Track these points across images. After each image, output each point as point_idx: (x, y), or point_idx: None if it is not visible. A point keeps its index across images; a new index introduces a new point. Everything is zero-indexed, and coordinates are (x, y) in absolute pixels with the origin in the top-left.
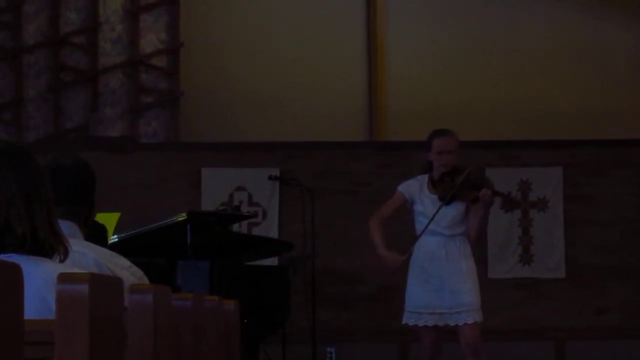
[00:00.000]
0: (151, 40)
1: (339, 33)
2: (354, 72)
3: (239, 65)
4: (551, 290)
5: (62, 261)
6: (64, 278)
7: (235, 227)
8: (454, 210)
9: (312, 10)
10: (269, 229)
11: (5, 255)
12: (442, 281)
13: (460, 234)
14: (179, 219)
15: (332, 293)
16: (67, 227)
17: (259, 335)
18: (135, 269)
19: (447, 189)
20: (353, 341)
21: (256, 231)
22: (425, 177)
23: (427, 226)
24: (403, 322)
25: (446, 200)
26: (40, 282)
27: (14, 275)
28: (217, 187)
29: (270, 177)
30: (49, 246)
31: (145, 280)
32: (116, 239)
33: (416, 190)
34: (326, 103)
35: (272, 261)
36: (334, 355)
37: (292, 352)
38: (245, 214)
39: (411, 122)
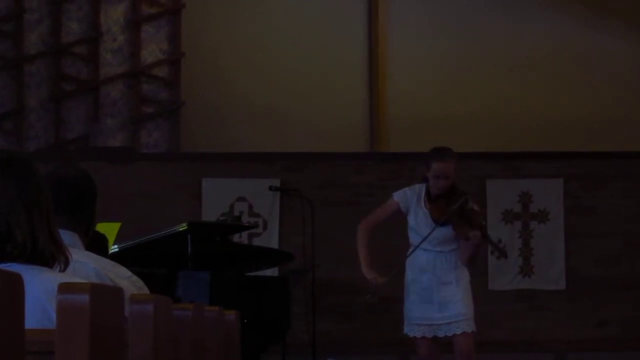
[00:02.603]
0: (152, 50)
1: (340, 44)
2: (355, 83)
3: (240, 75)
4: (551, 302)
5: (62, 271)
6: (64, 288)
7: (236, 238)
8: (446, 231)
9: (313, 21)
10: (270, 239)
11: (5, 264)
12: (432, 293)
13: (450, 251)
14: (180, 229)
15: (332, 304)
16: (68, 237)
17: (259, 346)
18: (135, 278)
19: (441, 213)
20: (353, 352)
21: (256, 242)
22: (423, 189)
23: (416, 247)
24: (404, 333)
25: (439, 224)
26: (40, 291)
27: (16, 285)
28: (217, 198)
29: (270, 188)
30: (50, 255)
31: (146, 290)
32: (117, 249)
33: (412, 201)
34: (327, 114)
35: (272, 272)
36: None
37: None
38: (246, 224)
39: (413, 134)
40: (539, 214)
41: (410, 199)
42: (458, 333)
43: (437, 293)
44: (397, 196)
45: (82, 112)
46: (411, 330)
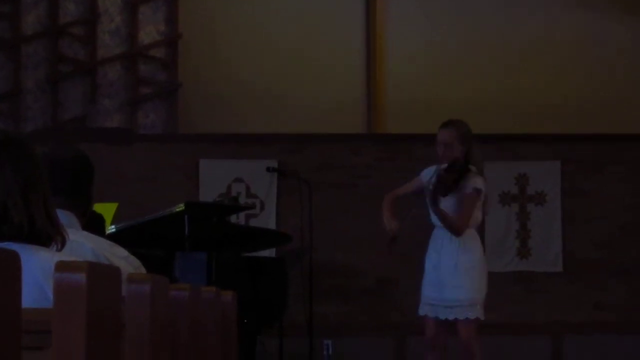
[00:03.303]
0: (150, 31)
1: (338, 25)
2: (353, 64)
3: (237, 57)
4: (548, 284)
5: (59, 250)
6: (61, 267)
7: (233, 219)
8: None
9: (311, 3)
10: (267, 220)
11: (3, 243)
12: (437, 273)
13: None
14: (177, 210)
15: (329, 286)
16: (65, 217)
17: (256, 327)
18: (132, 258)
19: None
20: (350, 334)
21: (254, 223)
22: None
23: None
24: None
25: (428, 189)
26: (37, 270)
27: (12, 263)
28: (215, 179)
29: (268, 169)
30: (46, 235)
31: (143, 270)
32: (114, 230)
33: (429, 176)
34: (325, 95)
35: (269, 253)
36: (330, 348)
37: (289, 345)
38: (243, 205)
39: (410, 115)
40: (536, 196)
41: (429, 173)
42: (460, 319)
43: (442, 274)
44: (423, 171)
45: (79, 93)
46: (420, 308)
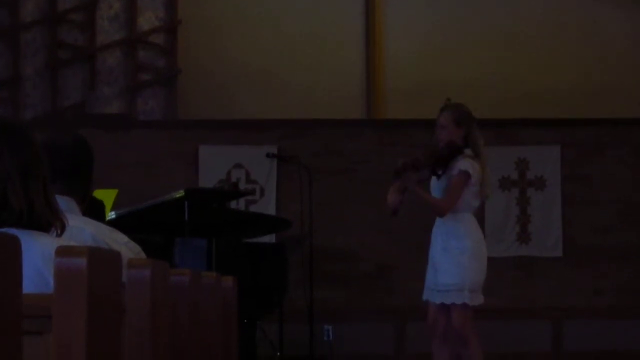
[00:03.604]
0: (149, 17)
1: (337, 10)
2: (352, 49)
3: (237, 42)
4: (548, 269)
5: (59, 236)
6: (62, 252)
7: (233, 204)
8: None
9: None
10: (267, 206)
11: (3, 229)
12: (432, 258)
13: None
14: (177, 196)
15: (329, 272)
16: (64, 203)
17: (256, 313)
18: (132, 244)
19: None
20: (350, 320)
21: (254, 209)
22: None
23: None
24: None
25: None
26: (37, 256)
27: (13, 248)
28: (214, 165)
29: (268, 155)
30: (46, 221)
31: (143, 256)
32: (114, 216)
33: None
34: (325, 81)
35: (269, 239)
36: (331, 334)
37: (289, 331)
38: (243, 191)
39: (409, 100)
40: (536, 181)
41: None
42: (447, 303)
43: (435, 258)
44: None
45: (78, 80)
46: (424, 292)
